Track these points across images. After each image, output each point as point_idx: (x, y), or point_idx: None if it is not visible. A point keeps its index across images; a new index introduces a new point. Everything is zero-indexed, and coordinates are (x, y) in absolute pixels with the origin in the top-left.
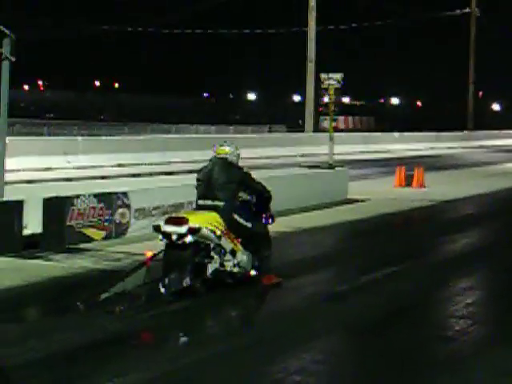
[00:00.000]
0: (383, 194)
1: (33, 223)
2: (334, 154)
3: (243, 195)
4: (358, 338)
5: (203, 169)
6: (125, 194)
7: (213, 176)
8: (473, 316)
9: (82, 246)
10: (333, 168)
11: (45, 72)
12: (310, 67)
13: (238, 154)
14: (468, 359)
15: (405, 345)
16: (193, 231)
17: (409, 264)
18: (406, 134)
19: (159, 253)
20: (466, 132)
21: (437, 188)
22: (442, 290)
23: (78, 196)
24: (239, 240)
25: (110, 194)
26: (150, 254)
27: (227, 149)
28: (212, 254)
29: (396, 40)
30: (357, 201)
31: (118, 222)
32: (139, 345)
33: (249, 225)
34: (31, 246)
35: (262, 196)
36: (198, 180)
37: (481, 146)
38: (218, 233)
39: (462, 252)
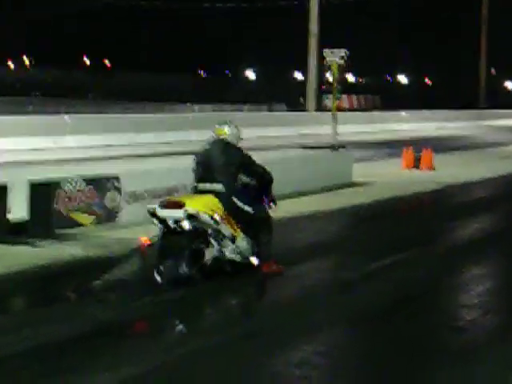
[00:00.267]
0: (390, 177)
1: (17, 208)
2: (337, 135)
3: (243, 178)
4: (363, 329)
5: (201, 150)
6: (115, 176)
7: (211, 158)
8: (485, 305)
9: (69, 231)
10: (336, 149)
11: (31, 47)
12: (313, 42)
13: (239, 135)
14: (480, 350)
15: (413, 336)
16: (190, 216)
17: (417, 250)
18: (413, 112)
19: (154, 238)
20: (478, 111)
21: (447, 170)
22: (452, 277)
23: (65, 179)
24: (239, 225)
25: (99, 176)
26: (144, 239)
27: (226, 129)
28: (210, 240)
29: (404, 12)
30: (362, 184)
31: (108, 206)
32: (133, 335)
33: (249, 209)
34: (16, 232)
35: (263, 179)
36: (195, 162)
37: (494, 126)
38: (217, 218)
39: (473, 237)
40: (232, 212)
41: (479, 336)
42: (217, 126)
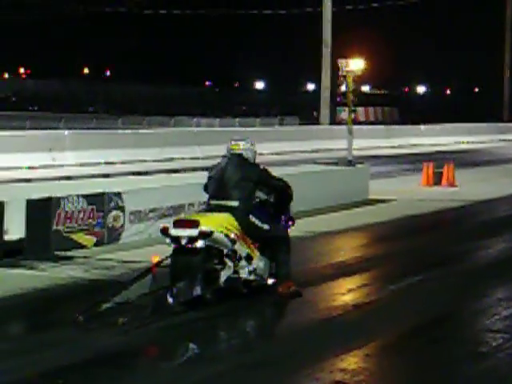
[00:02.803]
0: (409, 194)
1: (15, 227)
2: (353, 150)
3: (260, 195)
4: (383, 356)
5: (216, 166)
6: (118, 194)
7: (227, 173)
8: (510, 330)
9: (70, 253)
10: (352, 165)
11: (27, 58)
12: (326, 52)
13: (255, 151)
14: (505, 378)
15: (434, 362)
16: (204, 235)
17: (438, 272)
18: (433, 126)
19: (166, 258)
20: (501, 124)
21: (469, 187)
22: (475, 300)
23: (65, 197)
24: (256, 244)
25: (101, 194)
26: (156, 259)
27: (242, 144)
28: (225, 260)
29: (421, 21)
30: (379, 201)
31: (110, 226)
32: (140, 362)
33: (266, 227)
34: (13, 254)
35: (284, 194)
36: (209, 178)
37: None
38: (233, 236)
39: (498, 258)
40: (248, 230)
41: (503, 363)
42: (232, 142)
